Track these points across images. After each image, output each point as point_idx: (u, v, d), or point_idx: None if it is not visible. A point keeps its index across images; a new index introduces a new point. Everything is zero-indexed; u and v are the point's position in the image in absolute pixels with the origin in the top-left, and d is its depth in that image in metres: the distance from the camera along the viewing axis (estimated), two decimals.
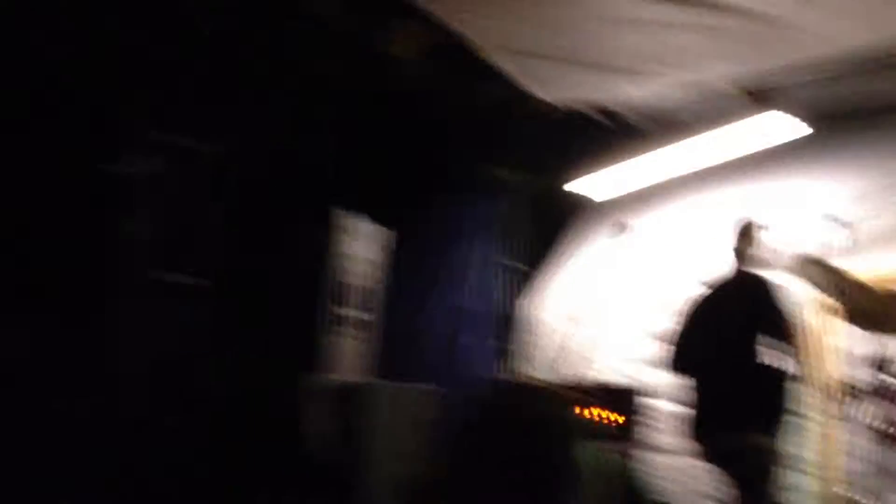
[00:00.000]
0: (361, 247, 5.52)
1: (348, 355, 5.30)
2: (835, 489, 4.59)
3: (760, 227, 4.17)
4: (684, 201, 5.53)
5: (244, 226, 4.81)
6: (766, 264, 4.11)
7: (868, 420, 4.34)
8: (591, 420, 4.86)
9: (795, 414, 4.89)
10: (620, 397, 4.98)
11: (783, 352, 3.82)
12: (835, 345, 4.76)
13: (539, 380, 5.19)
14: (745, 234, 4.16)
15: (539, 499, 4.20)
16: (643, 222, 5.59)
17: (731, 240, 4.16)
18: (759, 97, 4.88)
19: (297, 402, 4.65)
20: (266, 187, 4.92)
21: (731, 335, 3.87)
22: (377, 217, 5.56)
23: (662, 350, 4.16)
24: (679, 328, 4.13)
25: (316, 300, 5.17)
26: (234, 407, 4.40)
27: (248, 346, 4.61)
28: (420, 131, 5.37)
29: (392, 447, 4.52)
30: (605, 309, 5.72)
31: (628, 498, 4.51)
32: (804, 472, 4.91)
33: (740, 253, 4.13)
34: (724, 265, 4.17)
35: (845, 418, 4.40)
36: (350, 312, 5.43)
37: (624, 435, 4.89)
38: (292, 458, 4.39)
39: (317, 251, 5.18)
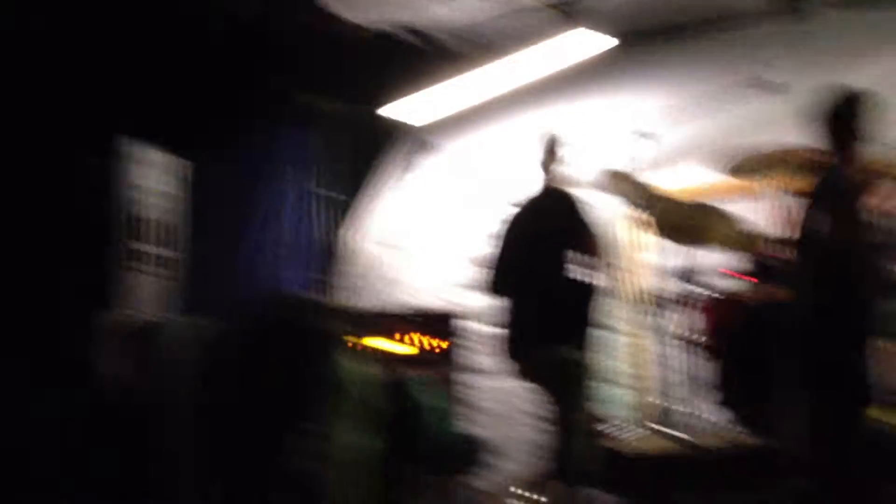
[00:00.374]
0: (155, 178, 5.12)
1: (147, 292, 4.92)
2: (649, 399, 4.73)
3: (567, 144, 4.15)
4: (498, 122, 5.51)
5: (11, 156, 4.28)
6: (573, 180, 4.10)
7: (676, 330, 4.45)
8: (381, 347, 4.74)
9: (608, 328, 5.02)
10: (439, 322, 4.91)
11: (593, 267, 3.83)
12: (645, 258, 4.87)
13: (330, 301, 4.98)
14: (551, 151, 4.13)
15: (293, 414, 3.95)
16: (459, 145, 5.53)
17: (539, 158, 4.12)
18: (567, 13, 4.90)
19: (90, 340, 4.25)
20: (35, 113, 4.38)
21: (542, 253, 3.87)
22: (172, 147, 5.17)
23: (478, 272, 4.10)
24: (492, 250, 4.08)
25: (106, 235, 4.74)
26: (21, 346, 3.97)
27: (34, 284, 4.17)
28: (221, 55, 5.01)
29: (186, 381, 4.21)
30: (422, 234, 5.63)
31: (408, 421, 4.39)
32: (619, 384, 5.06)
33: (548, 170, 4.11)
34: (534, 184, 4.13)
35: (656, 329, 4.47)
36: (147, 247, 5.03)
37: (443, 360, 4.83)
38: (85, 398, 4.02)
39: (102, 183, 4.74)
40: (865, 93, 3.38)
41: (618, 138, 4.65)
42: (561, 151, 4.12)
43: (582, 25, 4.76)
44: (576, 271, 3.86)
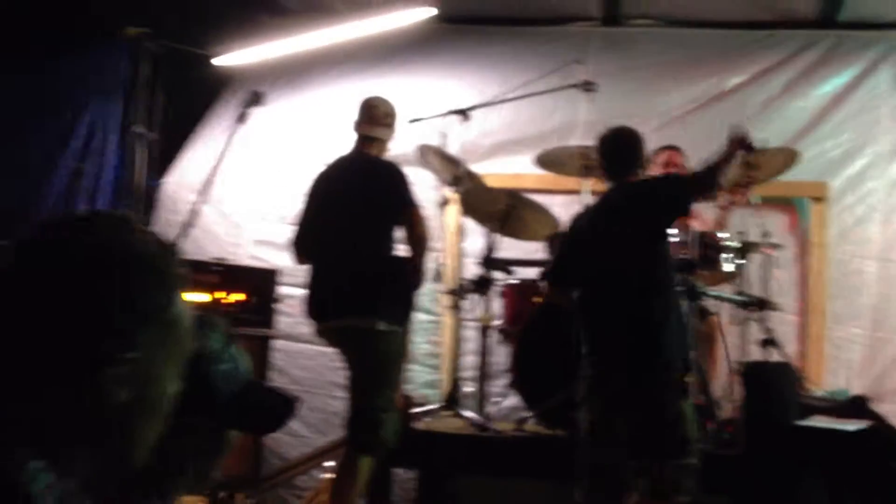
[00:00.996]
0: None
1: None
2: (447, 379, 4.86)
3: (386, 112, 4.01)
4: (322, 82, 5.42)
5: None
6: (386, 149, 4.01)
7: (478, 314, 4.58)
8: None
9: (424, 310, 5.11)
10: (252, 280, 4.84)
11: (410, 242, 3.79)
12: (454, 240, 4.99)
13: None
14: (369, 115, 3.98)
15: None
16: (281, 98, 5.42)
17: (356, 122, 3.99)
18: None
19: None
20: None
21: (354, 219, 3.76)
22: None
23: (292, 232, 4.01)
24: (304, 210, 3.97)
25: None
26: None
27: None
28: None
29: None
30: (243, 189, 5.52)
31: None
32: (420, 363, 5.18)
33: (362, 136, 3.96)
34: (348, 148, 4.02)
35: (458, 312, 4.57)
36: None
37: (253, 319, 4.76)
38: None
39: None
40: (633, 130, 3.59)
41: (437, 116, 4.69)
42: (380, 117, 3.98)
43: (415, 3, 4.79)
44: (389, 244, 3.81)
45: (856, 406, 4.05)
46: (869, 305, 5.05)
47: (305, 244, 3.92)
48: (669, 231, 3.52)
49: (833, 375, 4.99)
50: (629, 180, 3.52)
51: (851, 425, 3.78)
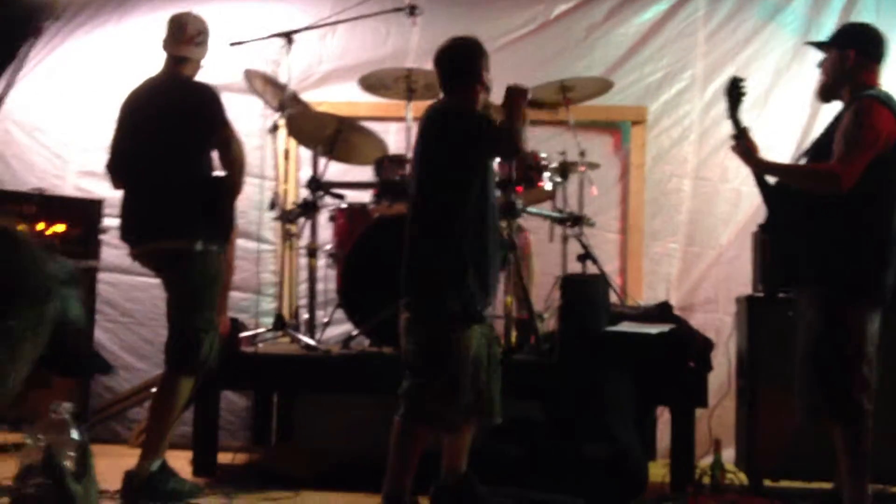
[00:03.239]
0: None
1: None
2: (298, 308, 4.88)
3: (197, 30, 3.79)
4: (145, 5, 5.25)
5: None
6: (198, 69, 3.83)
7: (309, 238, 4.62)
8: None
9: (262, 239, 5.09)
10: (74, 211, 4.71)
11: (228, 165, 3.72)
12: (287, 165, 4.96)
13: None
14: (177, 35, 3.77)
15: None
16: (102, 24, 5.23)
17: (164, 42, 3.79)
18: None
19: None
20: None
21: (160, 139, 3.64)
22: None
23: (107, 159, 3.90)
24: (114, 134, 3.83)
25: None
26: None
27: None
28: None
29: None
30: (60, 117, 5.31)
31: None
32: (271, 297, 5.17)
33: (172, 56, 3.77)
34: (159, 71, 3.84)
35: (290, 237, 4.59)
36: None
37: (77, 251, 4.65)
38: None
39: None
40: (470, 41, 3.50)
41: (260, 39, 4.63)
42: (191, 35, 3.77)
43: None
44: (203, 165, 3.71)
45: (661, 312, 4.32)
46: (684, 222, 5.35)
47: (118, 169, 3.82)
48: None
49: (652, 289, 5.28)
50: (463, 97, 3.42)
51: (654, 329, 4.04)
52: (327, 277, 4.65)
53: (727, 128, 5.28)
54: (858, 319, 3.15)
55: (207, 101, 3.69)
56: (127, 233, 3.78)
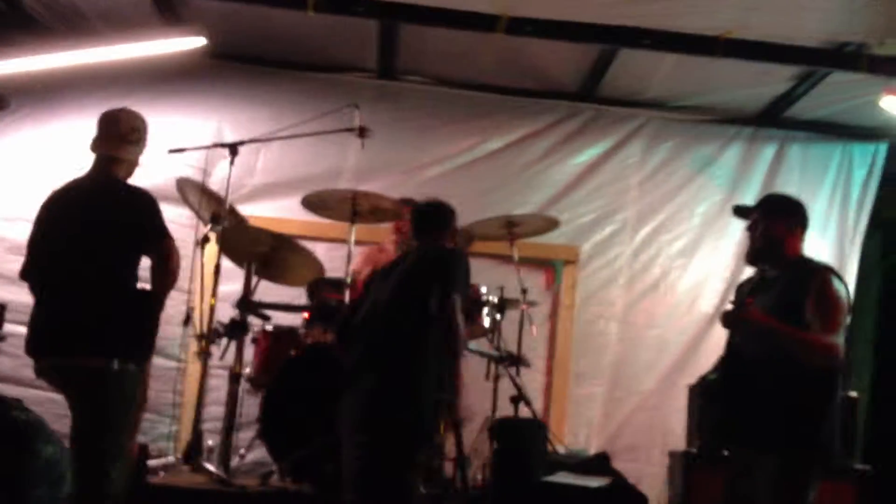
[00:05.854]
0: None
1: None
2: (189, 430, 4.51)
3: (131, 127, 3.49)
4: (81, 102, 4.96)
5: None
6: (133, 170, 3.54)
7: (227, 360, 4.33)
8: None
9: (169, 356, 4.75)
10: None
11: (158, 277, 3.46)
12: (211, 280, 4.68)
13: None
14: (110, 133, 3.48)
15: None
16: (30, 114, 4.94)
17: (95, 140, 3.47)
18: (168, 13, 4.65)
19: None
20: None
21: (84, 245, 3.33)
22: None
23: (24, 262, 3.55)
24: (32, 235, 3.46)
25: None
26: None
27: None
28: None
29: None
30: None
31: None
32: (160, 413, 4.80)
33: (103, 156, 3.46)
34: (88, 171, 3.50)
35: (205, 357, 4.26)
36: None
37: None
38: None
39: None
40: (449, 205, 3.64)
41: (202, 148, 4.45)
42: (124, 133, 3.48)
43: (183, 27, 4.55)
44: (129, 276, 3.37)
45: (599, 463, 4.19)
46: (609, 365, 5.32)
47: (36, 273, 3.47)
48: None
49: (573, 433, 5.17)
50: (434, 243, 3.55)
51: (595, 481, 3.89)
52: (238, 402, 4.33)
53: (655, 273, 5.46)
54: (816, 486, 3.13)
55: (146, 209, 3.41)
56: (34, 343, 3.41)
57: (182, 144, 4.36)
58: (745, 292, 3.47)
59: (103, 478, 3.28)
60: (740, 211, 3.53)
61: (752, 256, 3.46)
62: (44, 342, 3.38)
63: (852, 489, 3.98)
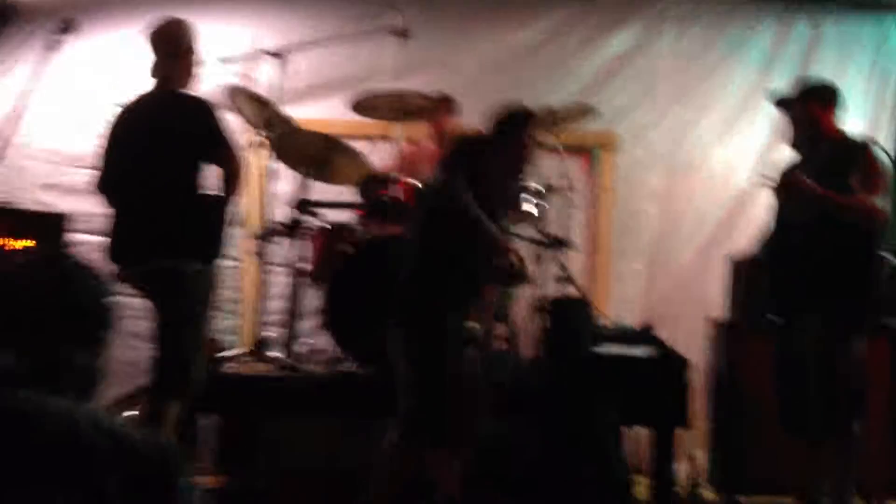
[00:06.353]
0: None
1: None
2: (254, 323, 4.80)
3: (189, 43, 3.75)
4: (123, 17, 5.08)
5: None
6: (193, 82, 3.79)
7: (286, 259, 4.55)
8: None
9: (229, 256, 4.98)
10: (38, 226, 4.52)
11: (226, 182, 3.67)
12: (262, 182, 4.89)
13: None
14: (168, 48, 3.72)
15: None
16: (96, 37, 5.06)
17: (154, 56, 3.73)
18: None
19: None
20: None
21: (158, 156, 3.56)
22: None
23: (94, 175, 3.79)
24: (106, 151, 3.72)
25: None
26: None
27: None
28: None
29: None
30: (28, 128, 5.11)
31: None
32: (227, 310, 5.08)
33: (166, 69, 3.70)
34: (146, 86, 3.76)
35: (265, 256, 4.50)
36: None
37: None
38: None
39: None
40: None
41: (252, 56, 4.58)
42: (183, 48, 3.73)
43: None
44: (198, 183, 3.63)
45: (643, 334, 4.43)
46: (649, 243, 5.50)
47: (112, 186, 3.71)
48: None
49: (616, 309, 5.39)
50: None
51: (641, 350, 4.14)
52: (299, 295, 4.57)
53: (690, 152, 5.57)
54: (863, 347, 3.35)
55: (210, 118, 3.62)
56: (117, 252, 3.68)
57: (222, 52, 4.52)
58: (790, 173, 3.64)
59: (187, 367, 3.59)
60: (778, 102, 3.67)
61: (794, 141, 3.64)
62: (125, 250, 3.67)
63: (888, 344, 4.18)
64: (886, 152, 3.52)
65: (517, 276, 3.70)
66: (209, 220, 3.67)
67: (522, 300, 4.62)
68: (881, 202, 3.40)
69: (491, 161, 3.54)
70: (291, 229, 4.44)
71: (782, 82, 5.15)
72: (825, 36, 5.51)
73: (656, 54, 5.56)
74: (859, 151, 3.47)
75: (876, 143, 3.57)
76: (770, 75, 5.39)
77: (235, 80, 4.58)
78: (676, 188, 5.51)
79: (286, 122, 4.48)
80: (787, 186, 3.56)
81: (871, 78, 5.49)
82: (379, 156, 4.91)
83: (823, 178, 3.43)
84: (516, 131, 3.61)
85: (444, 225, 3.43)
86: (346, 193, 4.69)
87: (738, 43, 5.55)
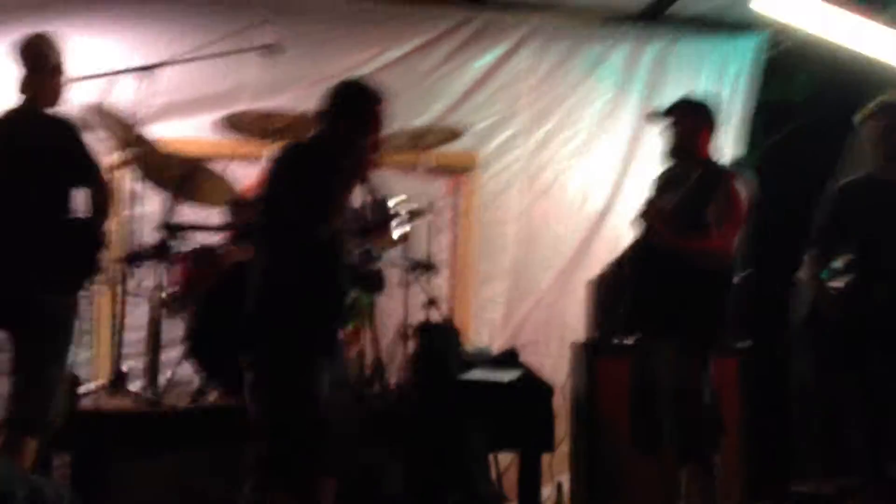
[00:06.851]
0: None
1: None
2: (111, 355, 4.57)
3: (56, 57, 3.58)
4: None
5: None
6: (60, 100, 3.61)
7: (148, 283, 4.39)
8: None
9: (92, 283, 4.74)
10: None
11: (95, 207, 3.52)
12: (125, 205, 4.68)
13: None
14: (35, 63, 3.52)
15: None
16: None
17: (21, 70, 3.51)
18: None
19: None
20: None
21: (20, 178, 3.39)
22: None
23: None
24: None
25: None
26: None
27: None
28: None
29: None
30: None
31: None
32: (88, 345, 4.83)
33: (30, 89, 3.50)
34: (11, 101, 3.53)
35: (125, 282, 4.34)
36: None
37: None
38: None
39: None
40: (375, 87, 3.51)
41: (121, 73, 4.39)
42: (49, 63, 3.54)
43: None
44: (66, 207, 3.46)
45: (508, 358, 4.54)
46: (509, 266, 5.62)
47: None
48: None
49: (477, 333, 5.48)
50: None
51: (506, 375, 4.24)
52: (161, 323, 4.40)
53: (549, 174, 5.74)
54: (711, 362, 3.56)
55: (75, 138, 3.47)
56: None
57: (85, 68, 4.30)
58: (657, 186, 3.81)
59: (48, 402, 3.41)
60: (659, 114, 3.81)
61: (669, 153, 3.79)
62: None
63: (735, 363, 4.46)
64: (749, 182, 3.66)
65: (372, 279, 3.66)
66: (78, 245, 3.50)
67: (390, 327, 4.64)
68: (731, 240, 3.56)
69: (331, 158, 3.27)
70: (157, 253, 4.29)
71: (637, 103, 5.43)
72: (675, 55, 5.77)
73: (517, 77, 5.69)
74: (722, 181, 3.63)
75: (742, 170, 3.75)
76: (623, 95, 5.64)
77: (99, 98, 4.38)
78: (535, 211, 5.66)
79: (149, 142, 4.32)
80: (646, 218, 3.72)
81: (719, 94, 5.71)
82: (248, 176, 4.80)
83: (687, 202, 3.61)
84: (365, 109, 3.42)
85: (285, 246, 3.19)
86: (215, 216, 4.57)
87: (595, 64, 5.75)
